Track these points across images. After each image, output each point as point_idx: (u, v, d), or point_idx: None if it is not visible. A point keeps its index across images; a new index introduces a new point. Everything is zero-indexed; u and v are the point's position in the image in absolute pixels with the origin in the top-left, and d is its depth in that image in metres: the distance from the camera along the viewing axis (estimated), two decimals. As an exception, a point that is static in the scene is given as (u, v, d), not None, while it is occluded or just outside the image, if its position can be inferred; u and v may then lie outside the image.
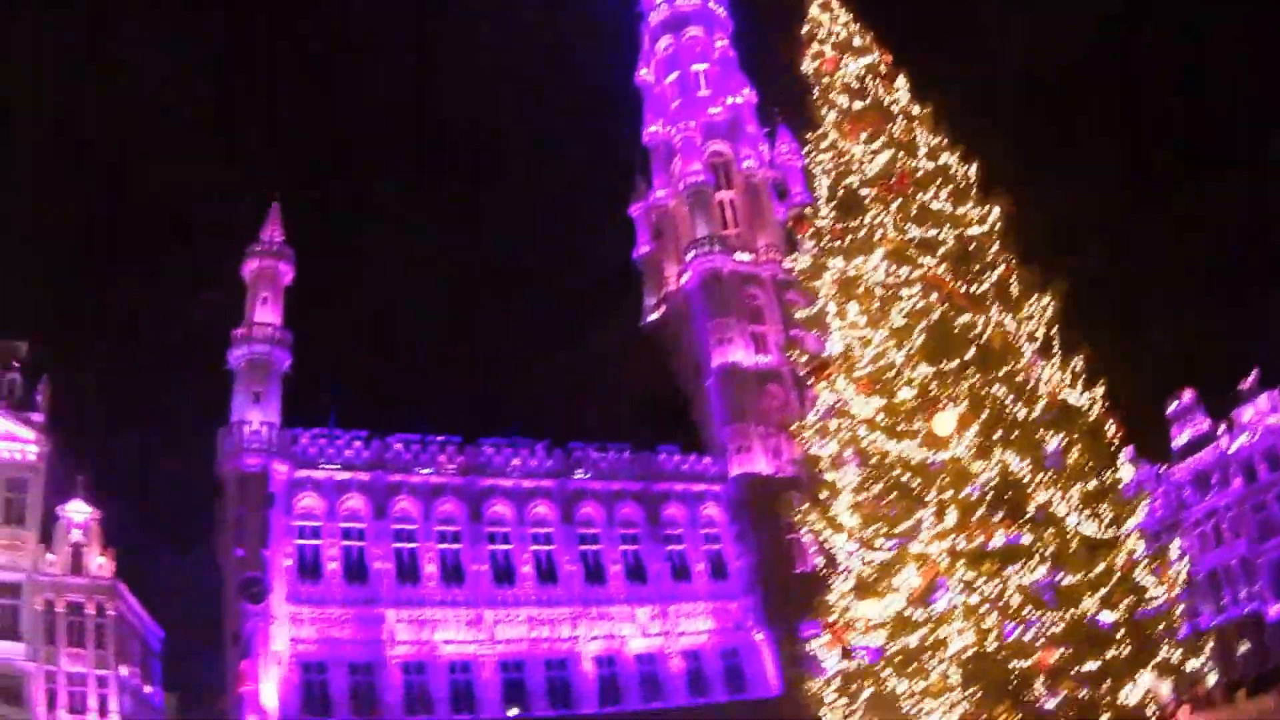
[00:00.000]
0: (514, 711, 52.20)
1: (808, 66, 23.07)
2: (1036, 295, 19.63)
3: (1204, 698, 30.01)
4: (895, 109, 21.75)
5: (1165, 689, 17.87)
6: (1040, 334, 19.47)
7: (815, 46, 23.06)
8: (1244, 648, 66.87)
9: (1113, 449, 19.12)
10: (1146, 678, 17.32)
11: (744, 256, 66.89)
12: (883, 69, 22.64)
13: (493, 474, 57.47)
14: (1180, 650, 18.04)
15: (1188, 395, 79.09)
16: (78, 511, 51.84)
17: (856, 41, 22.90)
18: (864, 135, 21.16)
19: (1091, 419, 18.89)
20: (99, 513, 52.51)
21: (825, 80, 22.53)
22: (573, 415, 60.73)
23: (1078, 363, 19.30)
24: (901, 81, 22.40)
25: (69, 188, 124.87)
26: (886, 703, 18.32)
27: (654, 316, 71.42)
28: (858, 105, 21.78)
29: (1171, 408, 79.59)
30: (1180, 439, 79.02)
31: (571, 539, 57.63)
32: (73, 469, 52.41)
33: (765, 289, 65.62)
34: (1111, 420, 19.09)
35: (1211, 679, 19.34)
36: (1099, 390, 19.15)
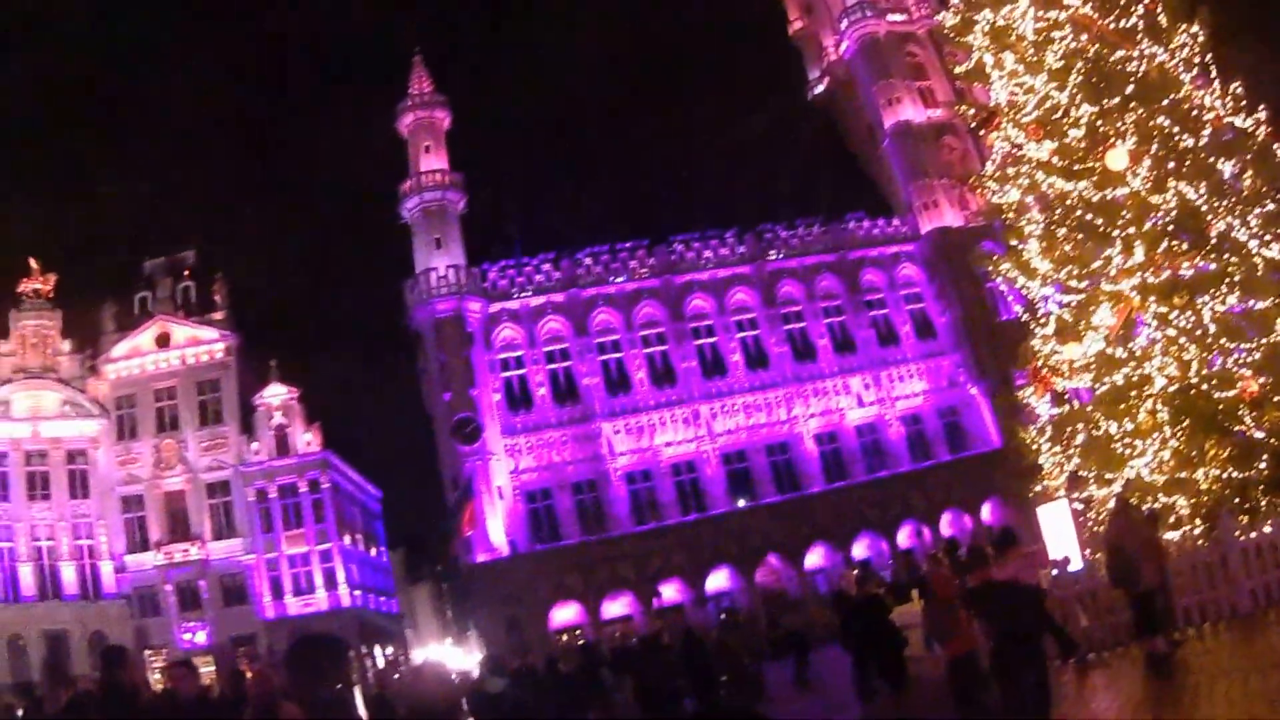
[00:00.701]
0: (742, 502, 53.66)
1: None
2: (1185, 24, 18.86)
3: None
4: None
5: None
6: (1196, 61, 18.74)
7: None
8: None
9: None
10: None
11: (898, 16, 64.31)
12: None
13: (687, 269, 57.91)
14: None
15: None
16: (274, 395, 53.12)
17: None
18: None
19: (1260, 141, 18.25)
20: (296, 391, 53.60)
21: None
22: (757, 197, 59.81)
23: (1237, 87, 18.66)
24: None
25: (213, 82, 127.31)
26: (1100, 445, 18.40)
27: (819, 90, 69.72)
28: None
29: None
30: None
31: (775, 320, 57.98)
32: (264, 356, 53.80)
33: (924, 45, 63.10)
34: (1278, 141, 18.38)
35: None
36: (1262, 113, 18.48)
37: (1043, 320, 19.95)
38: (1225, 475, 16.59)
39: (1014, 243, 19.93)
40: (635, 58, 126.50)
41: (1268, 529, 15.59)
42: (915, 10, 64.11)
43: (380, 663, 52.34)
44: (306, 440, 53.13)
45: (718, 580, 52.50)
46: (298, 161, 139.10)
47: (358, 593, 54.51)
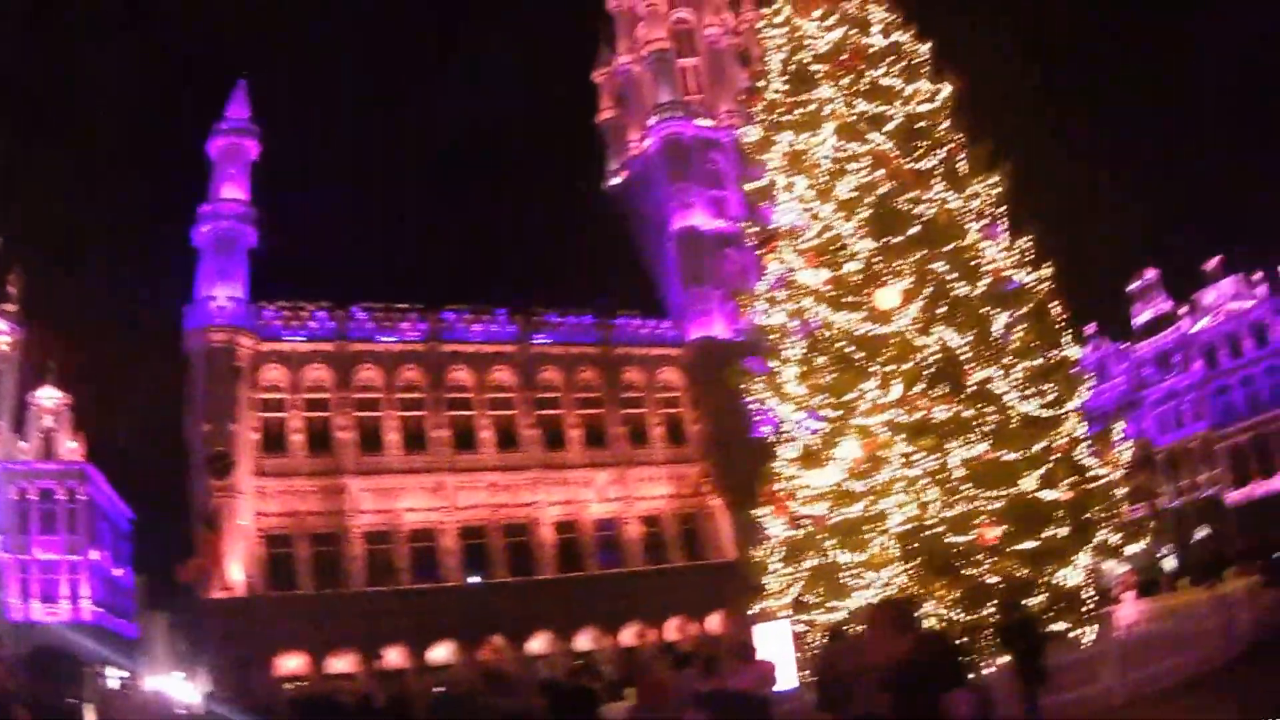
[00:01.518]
0: (476, 578, 52.87)
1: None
2: (984, 174, 19.52)
3: (1149, 583, 30.31)
4: None
5: (1111, 570, 18.25)
6: (988, 212, 19.38)
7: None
8: (1201, 532, 67.29)
9: (1059, 328, 19.18)
10: (1085, 559, 17.60)
11: (705, 122, 66.08)
12: None
13: (454, 339, 57.35)
14: (1121, 534, 18.36)
15: (1150, 274, 78.92)
16: (48, 397, 51.85)
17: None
18: (817, 11, 20.74)
19: (1037, 298, 18.90)
20: (70, 398, 52.29)
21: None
22: (536, 280, 60.50)
23: (1025, 241, 19.26)
24: None
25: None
26: (829, 573, 18.47)
27: (616, 181, 70.83)
28: None
29: (1133, 285, 79.37)
30: (1141, 317, 79.11)
31: (531, 403, 57.70)
32: (45, 357, 52.46)
33: (726, 154, 64.76)
34: (1057, 300, 19.09)
35: (1169, 563, 19.76)
36: (1046, 270, 19.10)
37: (788, 444, 20.01)
38: (953, 617, 16.81)
39: (773, 364, 20.06)
40: (444, 133, 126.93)
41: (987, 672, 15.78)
42: (724, 119, 65.81)
43: (112, 684, 49.78)
44: (70, 448, 51.66)
45: (441, 651, 51.23)
46: (114, 165, 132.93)
47: (100, 610, 52.88)
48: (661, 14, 70.28)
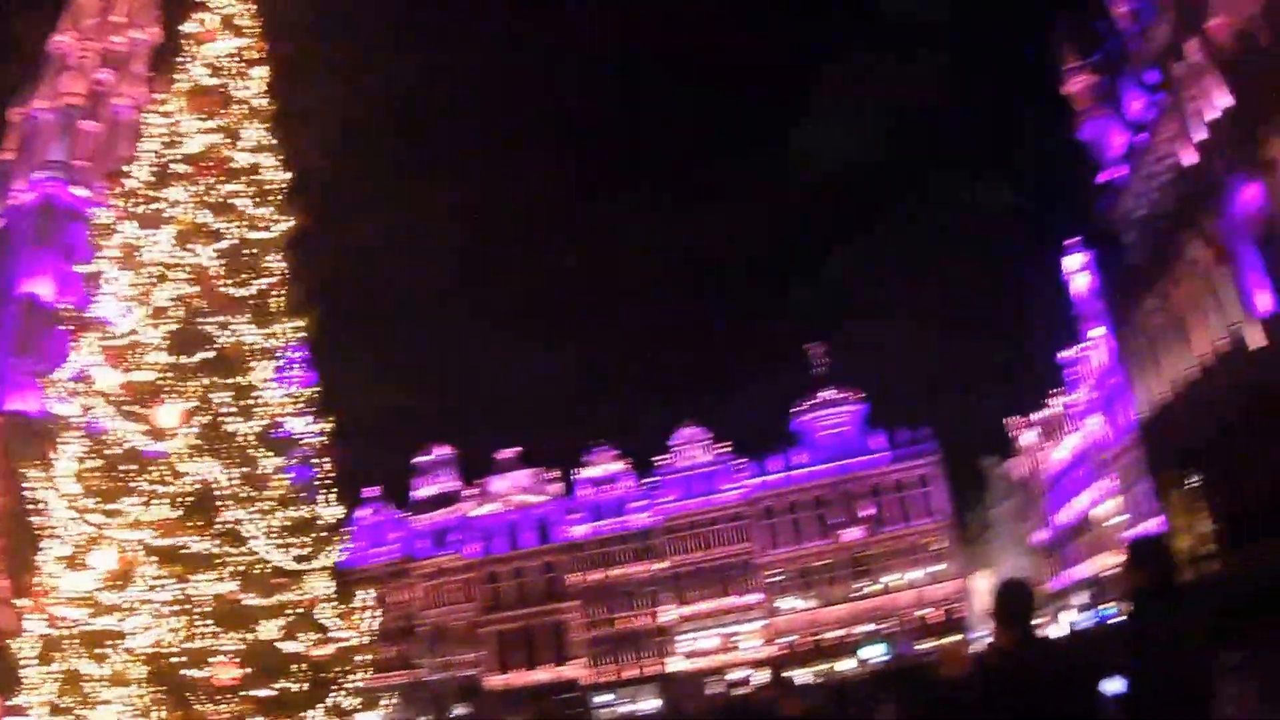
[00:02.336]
0: None
1: (187, 28, 21.46)
2: (293, 315, 19.52)
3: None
4: (241, 95, 20.79)
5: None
6: (282, 354, 19.25)
7: (202, 13, 21.53)
8: (458, 709, 69.53)
9: (326, 484, 19.23)
10: (319, 717, 17.52)
11: (82, 191, 62.15)
12: (251, 55, 21.51)
13: None
14: (357, 699, 18.39)
15: (442, 450, 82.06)
16: None
17: (241, 21, 21.63)
18: (201, 112, 20.15)
19: (311, 449, 19.00)
20: None
21: (194, 47, 21.08)
22: None
23: (310, 391, 19.37)
24: (262, 72, 21.44)
25: None
26: (74, 680, 17.18)
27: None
28: (210, 81, 20.61)
29: (422, 459, 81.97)
30: (425, 491, 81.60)
31: None
32: None
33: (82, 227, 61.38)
34: (330, 456, 19.25)
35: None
36: (327, 424, 19.29)
37: (55, 540, 18.52)
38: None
39: (53, 456, 18.62)
40: None
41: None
42: (98, 193, 62.15)
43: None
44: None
45: None
46: None
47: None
48: (88, 69, 66.30)
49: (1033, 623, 6.24)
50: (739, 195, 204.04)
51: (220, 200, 19.28)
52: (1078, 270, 66.92)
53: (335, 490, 19.26)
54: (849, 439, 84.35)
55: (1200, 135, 38.41)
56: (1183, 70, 38.53)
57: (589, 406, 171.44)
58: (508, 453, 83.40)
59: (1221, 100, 36.19)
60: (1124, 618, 6.15)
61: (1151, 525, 55.09)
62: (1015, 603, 6.09)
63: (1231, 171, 36.72)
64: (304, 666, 17.45)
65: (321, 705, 17.65)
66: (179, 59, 21.23)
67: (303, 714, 17.35)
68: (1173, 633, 5.32)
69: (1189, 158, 39.90)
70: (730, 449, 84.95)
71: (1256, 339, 36.90)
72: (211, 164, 19.50)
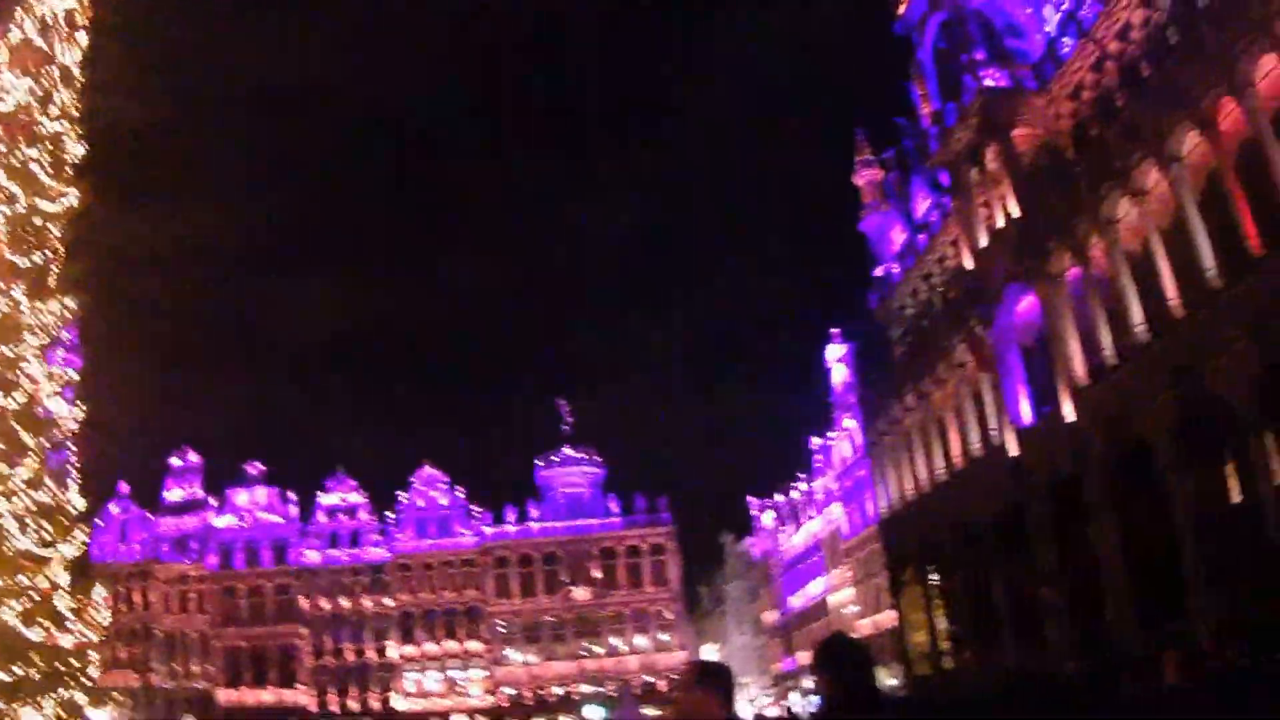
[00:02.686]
0: None
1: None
2: (67, 294, 18.67)
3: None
4: (61, 60, 19.70)
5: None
6: (54, 333, 18.43)
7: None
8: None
9: (78, 472, 18.83)
10: (50, 708, 16.94)
11: None
12: (79, 19, 20.29)
13: None
14: (84, 694, 17.81)
15: (193, 457, 79.93)
16: None
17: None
18: (24, 70, 19.05)
19: (67, 434, 18.55)
20: None
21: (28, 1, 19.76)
22: None
23: (70, 374, 18.68)
24: (84, 40, 20.32)
25: None
26: None
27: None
28: (38, 39, 19.40)
29: (173, 460, 79.89)
30: (174, 494, 79.22)
31: None
32: None
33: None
34: (83, 444, 18.96)
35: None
36: (80, 410, 18.76)
37: None
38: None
39: None
40: None
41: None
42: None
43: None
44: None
45: None
46: None
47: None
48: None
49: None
50: (518, 243, 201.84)
51: (20, 164, 18.35)
52: (837, 360, 67.70)
53: (84, 480, 19.00)
54: (586, 499, 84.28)
55: (983, 242, 38.79)
56: (977, 176, 38.91)
57: (339, 434, 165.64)
58: (253, 468, 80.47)
59: (1012, 209, 36.59)
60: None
61: (884, 618, 55.63)
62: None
63: (1009, 281, 37.11)
64: (40, 654, 16.92)
65: (53, 696, 17.11)
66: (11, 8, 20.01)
67: (32, 702, 16.73)
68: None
69: (968, 262, 40.27)
70: (466, 494, 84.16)
71: (1013, 448, 37.20)
72: (20, 125, 18.60)
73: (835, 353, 67.88)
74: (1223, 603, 25.64)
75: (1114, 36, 32.56)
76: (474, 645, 79.70)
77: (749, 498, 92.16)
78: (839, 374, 67.33)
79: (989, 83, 37.25)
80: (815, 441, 74.80)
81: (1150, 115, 28.43)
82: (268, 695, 75.29)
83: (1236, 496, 27.60)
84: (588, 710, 69.89)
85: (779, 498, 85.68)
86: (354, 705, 76.99)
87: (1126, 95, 30.30)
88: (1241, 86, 25.03)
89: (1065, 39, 35.53)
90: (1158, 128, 28.04)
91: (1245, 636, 22.83)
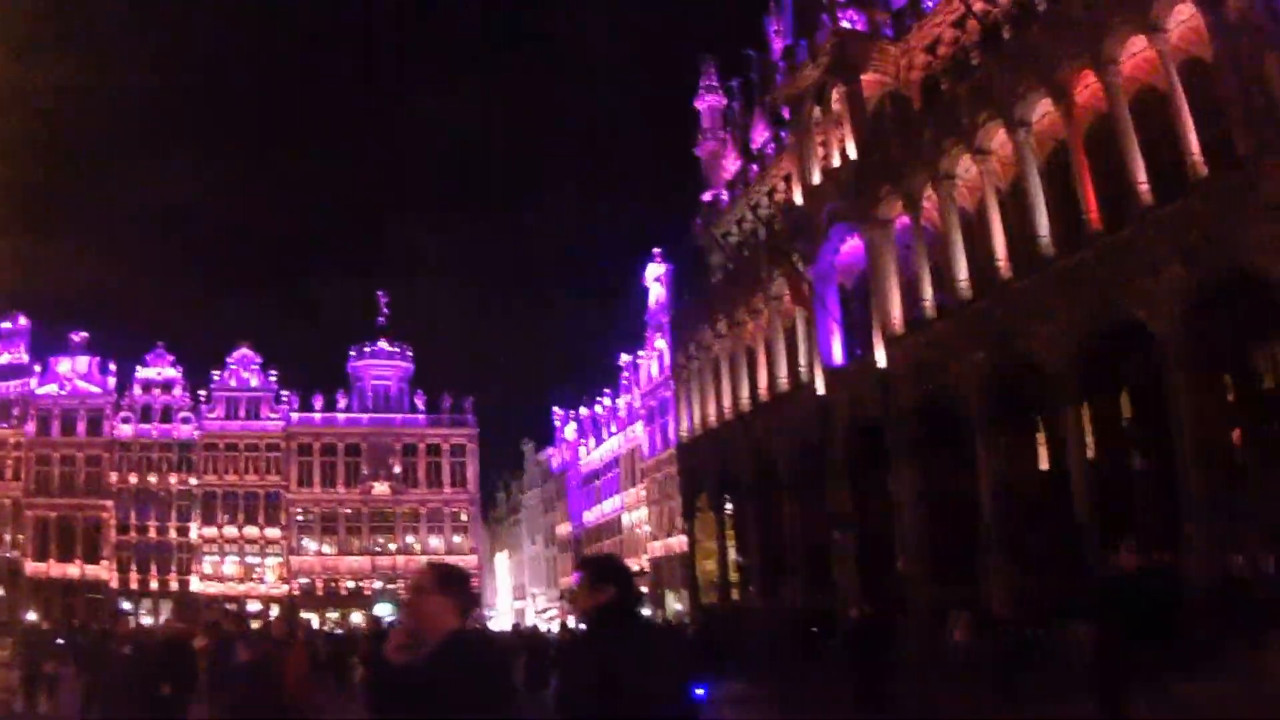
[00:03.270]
0: None
1: None
2: None
3: None
4: None
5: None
6: None
7: None
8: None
9: None
10: None
11: None
12: None
13: None
14: None
15: (21, 321, 78.43)
16: None
17: None
18: None
19: None
20: None
21: None
22: None
23: None
24: None
25: None
26: None
27: None
28: None
29: (4, 325, 77.97)
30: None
31: None
32: None
33: None
34: None
35: None
36: None
37: None
38: None
39: None
40: None
41: None
42: None
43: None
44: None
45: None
46: None
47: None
48: None
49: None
50: (359, 129, 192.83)
51: None
52: (655, 279, 66.33)
53: None
54: (394, 393, 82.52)
55: (816, 179, 37.83)
56: (819, 114, 37.79)
57: (167, 308, 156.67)
58: (77, 335, 76.07)
59: (850, 151, 35.59)
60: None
61: (676, 543, 55.18)
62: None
63: (836, 221, 36.27)
64: None
65: None
66: None
67: None
68: (638, 656, 4.62)
69: (798, 198, 39.31)
70: (280, 379, 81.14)
71: (820, 386, 36.65)
72: None
73: (655, 271, 66.35)
74: (1015, 570, 25.54)
75: (983, -3, 31.66)
76: (273, 532, 77.36)
77: (554, 408, 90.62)
78: (656, 293, 65.94)
79: (845, 24, 36.03)
80: (625, 358, 73.45)
81: (1005, 78, 27.68)
82: (74, 569, 72.44)
83: (1044, 464, 27.54)
84: (378, 608, 68.03)
85: (584, 411, 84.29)
86: (154, 584, 74.26)
87: (983, 55, 29.36)
88: (1105, 62, 24.34)
89: (934, -8, 34.55)
90: (1010, 91, 27.30)
91: (1034, 606, 22.65)
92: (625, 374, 73.33)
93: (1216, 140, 21.98)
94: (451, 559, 76.03)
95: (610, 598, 4.76)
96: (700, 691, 17.52)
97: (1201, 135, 22.28)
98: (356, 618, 67.44)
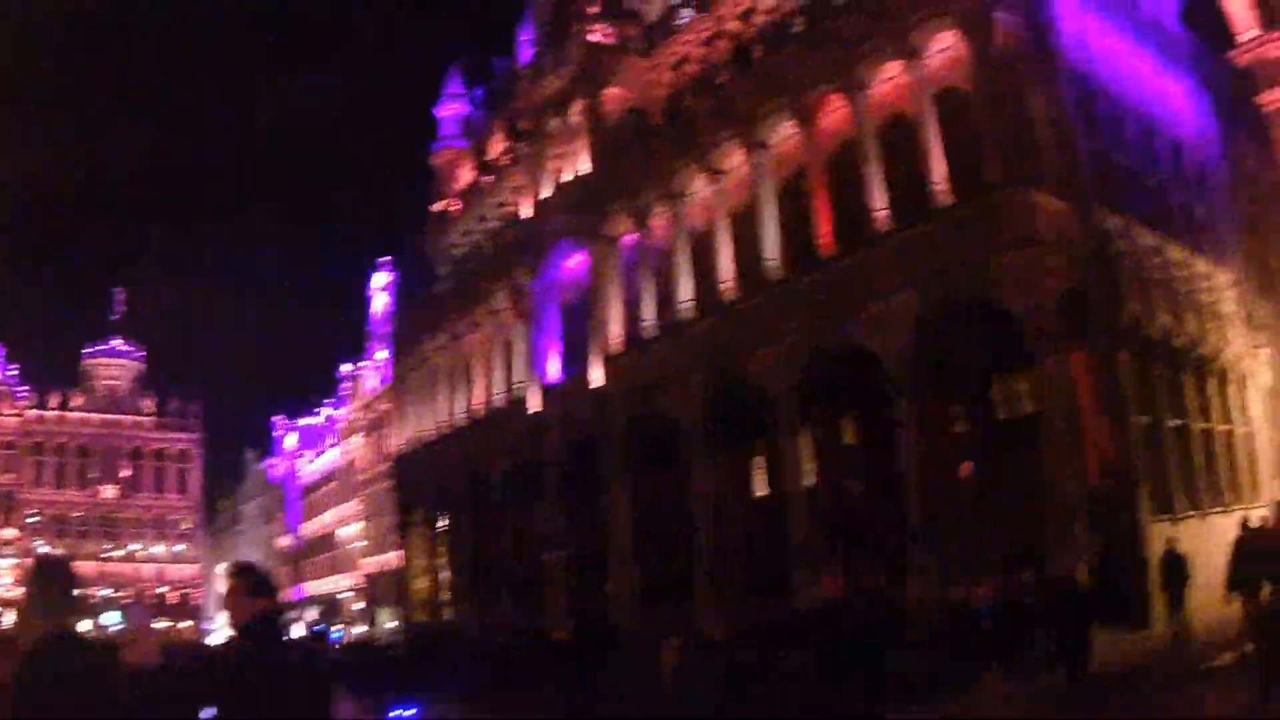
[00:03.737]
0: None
1: None
2: None
3: None
4: None
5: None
6: None
7: None
8: None
9: None
10: None
11: None
12: None
13: None
14: None
15: None
16: None
17: None
18: None
19: None
20: None
21: None
22: None
23: None
24: None
25: None
26: None
27: None
28: None
29: None
30: None
31: None
32: None
33: None
34: None
35: None
36: None
37: None
38: None
39: None
40: None
41: None
42: None
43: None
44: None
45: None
46: None
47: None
48: None
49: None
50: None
51: None
52: (380, 289, 63.62)
53: None
54: (125, 393, 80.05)
55: (546, 193, 36.44)
56: (558, 127, 36.42)
57: None
58: None
59: (583, 166, 34.33)
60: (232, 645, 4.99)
61: (390, 559, 52.33)
62: None
63: (562, 235, 34.89)
64: None
65: None
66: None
67: None
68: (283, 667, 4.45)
69: (525, 211, 37.82)
70: (20, 374, 77.34)
71: (535, 403, 35.13)
72: None
73: (380, 280, 63.81)
74: (726, 594, 24.62)
75: (735, 16, 31.14)
76: (8, 533, 72.94)
77: (276, 418, 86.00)
78: (380, 302, 63.35)
79: (594, 38, 34.83)
80: (346, 368, 70.12)
81: (749, 98, 27.01)
82: None
83: (762, 490, 26.78)
84: (104, 617, 62.20)
85: (305, 421, 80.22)
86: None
87: (730, 75, 28.66)
88: (855, 87, 23.87)
89: (686, 10, 33.95)
90: (753, 111, 26.60)
91: (747, 631, 21.66)
92: (346, 385, 70.00)
93: (964, 170, 21.68)
94: (173, 568, 72.26)
95: (267, 607, 4.57)
96: (410, 712, 15.77)
97: (951, 165, 22.01)
98: (84, 626, 61.58)
